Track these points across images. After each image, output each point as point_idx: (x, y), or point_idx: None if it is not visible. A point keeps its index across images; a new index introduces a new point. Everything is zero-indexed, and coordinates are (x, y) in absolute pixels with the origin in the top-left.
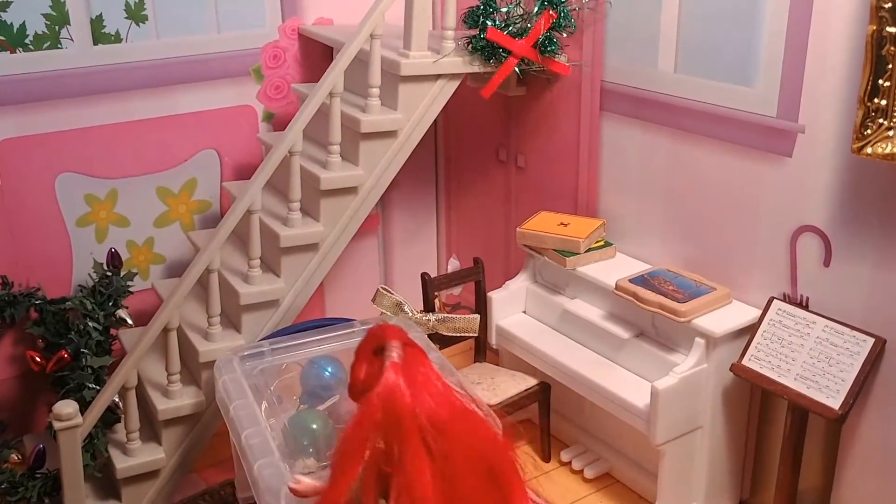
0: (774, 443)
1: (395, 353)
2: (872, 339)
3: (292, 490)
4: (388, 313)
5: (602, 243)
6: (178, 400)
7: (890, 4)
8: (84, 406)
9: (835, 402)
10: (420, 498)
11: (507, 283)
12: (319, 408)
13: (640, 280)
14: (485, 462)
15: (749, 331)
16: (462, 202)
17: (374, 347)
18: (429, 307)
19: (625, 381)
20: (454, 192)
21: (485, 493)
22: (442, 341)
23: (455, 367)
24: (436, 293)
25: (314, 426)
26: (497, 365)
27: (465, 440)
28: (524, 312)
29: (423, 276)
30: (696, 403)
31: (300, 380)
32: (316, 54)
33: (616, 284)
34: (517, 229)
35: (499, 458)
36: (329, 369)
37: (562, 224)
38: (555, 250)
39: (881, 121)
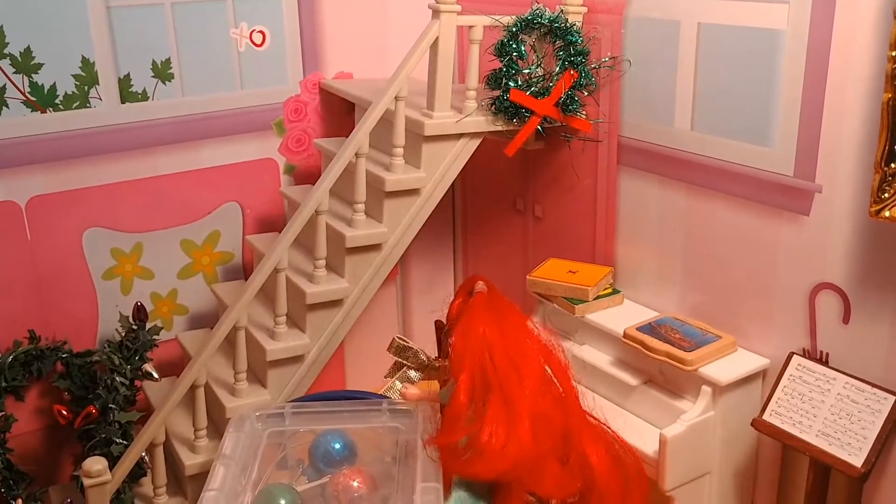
0: (797, 499)
1: (480, 287)
2: (894, 398)
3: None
4: (405, 362)
5: (610, 290)
6: (205, 455)
7: None
8: (111, 459)
9: (857, 460)
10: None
11: None
12: (311, 484)
13: (648, 328)
14: (540, 361)
15: (755, 378)
16: (480, 250)
17: (468, 289)
18: (443, 353)
19: (633, 428)
20: (472, 240)
21: (544, 384)
22: None
23: None
24: (449, 339)
25: (282, 501)
26: None
27: (526, 343)
28: None
29: (436, 322)
30: (704, 450)
31: (308, 449)
32: (336, 107)
33: (624, 333)
34: (527, 276)
35: (552, 359)
36: (338, 444)
37: (570, 272)
38: (564, 298)
39: None
